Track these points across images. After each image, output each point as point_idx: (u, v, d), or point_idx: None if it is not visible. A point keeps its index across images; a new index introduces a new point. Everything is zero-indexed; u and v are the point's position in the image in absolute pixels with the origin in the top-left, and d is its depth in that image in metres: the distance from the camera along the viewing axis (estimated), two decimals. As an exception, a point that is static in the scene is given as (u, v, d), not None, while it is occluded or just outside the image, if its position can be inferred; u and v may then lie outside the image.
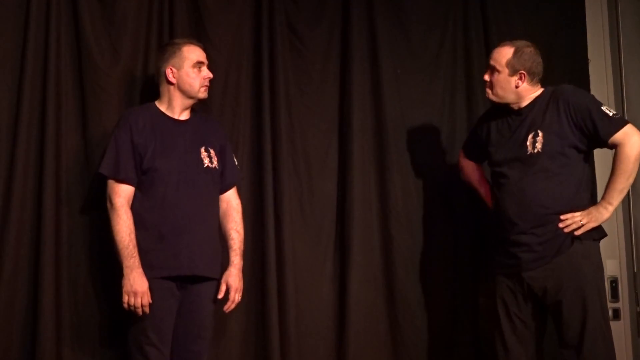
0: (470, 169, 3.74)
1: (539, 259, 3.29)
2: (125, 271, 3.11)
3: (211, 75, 3.38)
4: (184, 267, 3.21)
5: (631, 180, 3.29)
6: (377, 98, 4.01)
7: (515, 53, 3.38)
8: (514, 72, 3.38)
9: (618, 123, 3.29)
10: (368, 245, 3.88)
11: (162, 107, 3.34)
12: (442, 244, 3.98)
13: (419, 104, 4.09)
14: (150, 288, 3.13)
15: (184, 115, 3.37)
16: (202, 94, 3.36)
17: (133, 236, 3.15)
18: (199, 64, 3.34)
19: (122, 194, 3.19)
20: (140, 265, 3.12)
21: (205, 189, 3.31)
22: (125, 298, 3.10)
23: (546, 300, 3.31)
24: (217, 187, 3.37)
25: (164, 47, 3.42)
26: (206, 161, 3.32)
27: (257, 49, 3.84)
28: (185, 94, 3.33)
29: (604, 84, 4.40)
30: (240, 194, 3.50)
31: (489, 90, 3.45)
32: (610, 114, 3.31)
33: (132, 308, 3.11)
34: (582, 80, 4.18)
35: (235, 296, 3.32)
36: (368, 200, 3.91)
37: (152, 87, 3.57)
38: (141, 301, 3.09)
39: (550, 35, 4.22)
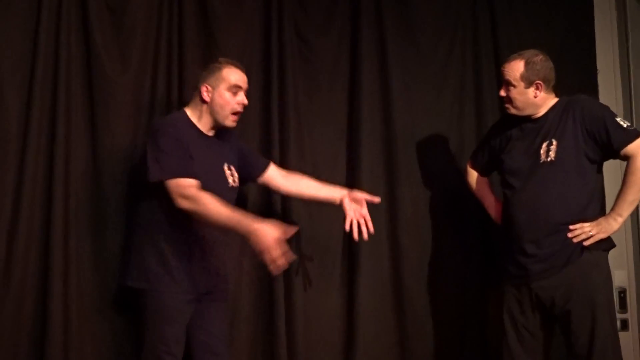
0: (474, 179, 3.74)
1: (548, 269, 3.28)
2: (251, 235, 2.98)
3: (246, 102, 3.32)
4: (205, 286, 3.23)
5: (642, 193, 3.29)
6: (385, 106, 4.01)
7: (526, 65, 3.37)
8: (529, 83, 3.37)
9: (632, 134, 3.29)
10: (377, 254, 3.88)
11: (194, 119, 3.30)
12: (451, 253, 3.98)
13: (427, 112, 4.09)
14: (174, 301, 3.13)
15: (211, 132, 3.33)
16: (231, 122, 3.30)
17: (229, 207, 3.07)
18: (236, 87, 3.28)
19: (192, 184, 3.10)
20: (257, 221, 3.02)
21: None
22: (267, 257, 2.95)
23: (554, 311, 3.31)
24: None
25: (208, 64, 3.39)
26: (230, 180, 3.32)
27: (266, 57, 3.85)
28: (213, 115, 3.28)
29: (612, 94, 4.40)
30: (248, 199, 3.51)
31: (508, 105, 3.44)
32: (625, 125, 3.30)
33: (277, 263, 2.96)
34: (591, 90, 4.16)
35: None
36: (377, 209, 3.88)
37: (161, 96, 3.59)
38: (280, 249, 2.96)
39: (559, 45, 4.21)
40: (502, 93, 3.44)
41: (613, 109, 3.51)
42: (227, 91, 3.26)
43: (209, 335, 3.27)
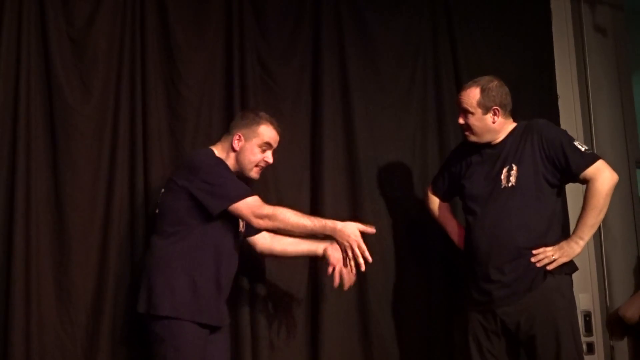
0: (436, 205, 3.74)
1: (512, 295, 3.29)
2: (337, 233, 3.11)
3: (271, 161, 3.38)
4: (224, 319, 3.27)
5: (602, 216, 3.30)
6: (348, 134, 4.02)
7: (482, 92, 3.39)
8: (486, 110, 3.39)
9: (590, 158, 3.31)
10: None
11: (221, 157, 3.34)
12: (416, 280, 3.98)
13: (390, 139, 4.11)
14: (193, 332, 3.09)
15: None
16: (254, 174, 3.35)
17: (304, 214, 3.19)
18: (267, 145, 3.34)
19: (261, 202, 3.15)
20: (333, 221, 3.14)
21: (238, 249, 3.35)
22: (354, 251, 3.08)
23: (519, 336, 3.31)
24: None
25: (248, 113, 3.44)
26: (240, 225, 3.34)
27: (228, 86, 3.83)
28: (239, 164, 3.32)
29: (573, 119, 4.46)
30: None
31: (468, 133, 3.46)
32: (583, 149, 3.33)
33: (364, 255, 3.09)
34: (552, 115, 4.22)
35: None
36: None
37: (124, 126, 3.57)
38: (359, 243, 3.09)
39: (519, 71, 4.26)
40: (461, 121, 3.46)
41: (573, 134, 3.55)
42: (257, 147, 3.32)
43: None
